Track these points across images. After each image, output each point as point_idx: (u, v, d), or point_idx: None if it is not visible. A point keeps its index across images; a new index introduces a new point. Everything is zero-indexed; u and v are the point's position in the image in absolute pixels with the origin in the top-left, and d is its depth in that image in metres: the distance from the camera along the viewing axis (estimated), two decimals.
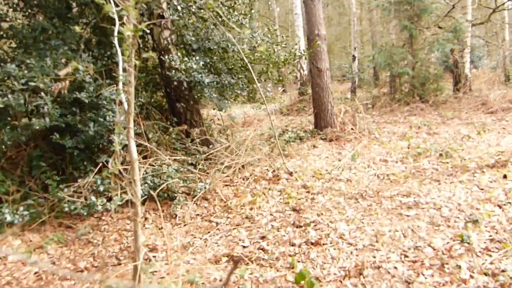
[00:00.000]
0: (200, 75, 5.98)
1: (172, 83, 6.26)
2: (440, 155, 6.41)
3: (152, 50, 6.75)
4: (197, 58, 5.90)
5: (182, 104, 6.39)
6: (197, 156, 5.96)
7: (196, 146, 6.09)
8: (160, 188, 5.20)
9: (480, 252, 3.36)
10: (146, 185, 5.03)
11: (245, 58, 5.45)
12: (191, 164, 5.90)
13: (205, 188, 5.22)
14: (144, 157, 5.47)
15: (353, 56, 16.62)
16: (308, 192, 5.33)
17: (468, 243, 3.34)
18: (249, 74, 6.92)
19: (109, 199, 4.81)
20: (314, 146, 7.88)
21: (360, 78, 21.81)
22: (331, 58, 26.05)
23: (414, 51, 12.72)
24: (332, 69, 29.20)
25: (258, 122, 12.74)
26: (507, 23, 16.12)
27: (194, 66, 5.80)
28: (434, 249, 3.51)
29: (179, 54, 5.70)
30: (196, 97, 6.60)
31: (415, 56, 12.57)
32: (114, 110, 5.06)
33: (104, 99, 5.01)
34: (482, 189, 4.86)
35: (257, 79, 7.01)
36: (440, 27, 12.47)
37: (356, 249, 3.70)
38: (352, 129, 8.35)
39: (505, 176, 5.16)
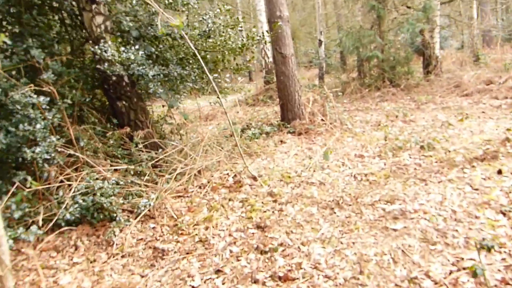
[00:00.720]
0: (142, 68, 5.00)
1: (110, 79, 5.23)
2: (422, 147, 5.65)
3: (85, 40, 5.70)
4: (137, 47, 4.90)
5: (124, 102, 5.38)
6: (143, 164, 4.99)
7: (142, 152, 5.12)
8: (95, 208, 4.24)
9: (495, 287, 2.57)
10: (77, 205, 4.06)
11: (191, 45, 4.47)
12: (136, 174, 4.94)
13: (149, 205, 4.27)
14: (76, 169, 4.47)
15: (319, 40, 15.81)
16: (275, 201, 4.46)
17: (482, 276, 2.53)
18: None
19: (28, 227, 3.84)
20: (281, 141, 7.02)
21: (327, 64, 21.11)
22: (296, 44, 25.25)
23: (382, 32, 12.01)
24: (298, 55, 28.43)
25: (223, 115, 11.79)
26: (475, 0, 15.61)
27: (133, 57, 4.81)
28: (436, 283, 2.71)
29: (110, 43, 4.69)
30: (140, 93, 5.59)
31: (383, 38, 11.86)
32: (31, 117, 4.04)
33: (17, 103, 3.97)
34: (476, 190, 4.10)
35: (212, 69, 6.06)
36: (408, 7, 11.76)
37: (336, 285, 2.86)
38: (322, 120, 7.53)
39: (499, 172, 4.42)
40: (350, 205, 4.14)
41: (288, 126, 7.57)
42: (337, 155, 5.84)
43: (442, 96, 10.03)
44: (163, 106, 6.47)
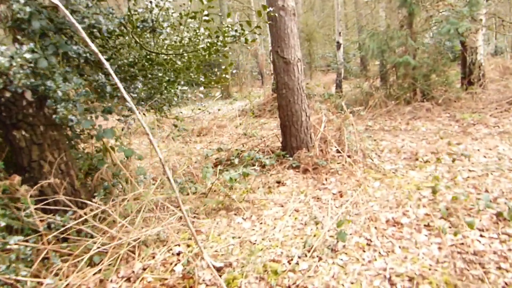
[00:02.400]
0: (46, 80, 2.96)
1: (1, 95, 3.18)
2: (499, 215, 3.43)
3: None
4: (25, 48, 2.84)
5: (24, 132, 3.31)
6: (34, 237, 2.91)
7: (44, 216, 3.04)
8: None
9: None
10: None
11: (87, 39, 2.37)
12: (23, 257, 2.86)
13: None
14: None
15: (337, 43, 13.56)
16: None
17: None
18: (161, 73, 3.87)
19: None
20: (278, 182, 4.85)
21: (346, 69, 18.83)
22: (313, 47, 23.03)
23: (414, 34, 9.72)
24: (315, 58, 26.18)
25: (219, 129, 9.67)
26: None
27: (28, 56, 2.80)
28: None
29: None
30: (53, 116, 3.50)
31: (415, 40, 9.58)
32: None
33: None
34: None
35: (172, 81, 3.94)
36: (448, 3, 9.44)
37: None
38: (338, 151, 5.34)
39: None
40: None
41: (290, 158, 5.40)
42: (358, 220, 3.66)
43: (495, 115, 7.70)
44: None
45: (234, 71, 22.18)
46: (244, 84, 21.58)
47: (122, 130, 3.96)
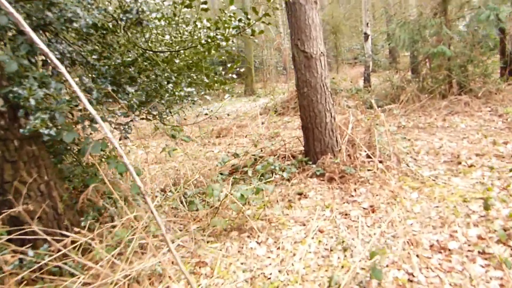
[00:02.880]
0: (18, 85, 2.49)
1: None
2: None
3: None
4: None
5: None
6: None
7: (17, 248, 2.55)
8: None
9: None
10: None
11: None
12: None
13: None
14: None
15: (365, 34, 12.75)
16: None
17: None
18: (160, 74, 3.34)
19: None
20: (300, 195, 4.25)
21: (374, 62, 17.93)
22: (340, 40, 22.15)
23: (448, 21, 8.87)
24: (342, 52, 25.24)
25: (240, 129, 9.12)
26: None
27: None
28: None
29: None
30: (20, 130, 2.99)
31: (450, 29, 8.72)
32: None
33: None
34: None
35: (173, 82, 3.39)
36: None
37: None
38: (368, 156, 4.68)
39: None
40: None
41: (314, 165, 4.78)
42: (395, 244, 3.02)
43: None
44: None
45: (257, 67, 21.54)
46: (268, 80, 20.94)
47: (120, 139, 3.44)
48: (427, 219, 3.38)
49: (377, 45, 23.05)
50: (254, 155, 5.20)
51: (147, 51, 3.00)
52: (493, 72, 8.63)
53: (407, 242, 3.03)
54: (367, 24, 12.66)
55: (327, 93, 4.75)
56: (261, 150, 5.53)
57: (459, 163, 4.74)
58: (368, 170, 4.47)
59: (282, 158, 5.28)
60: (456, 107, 7.93)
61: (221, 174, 5.02)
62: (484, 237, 2.96)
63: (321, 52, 4.68)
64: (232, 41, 3.05)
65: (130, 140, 3.84)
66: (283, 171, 4.65)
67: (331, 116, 4.79)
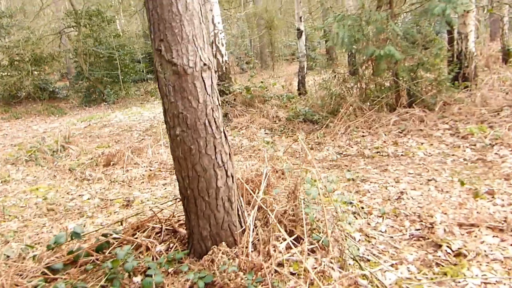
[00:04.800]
0: None
1: None
2: None
3: None
4: None
5: None
6: None
7: None
8: None
9: None
10: None
11: None
12: None
13: None
14: None
15: (298, 30, 10.81)
16: None
17: None
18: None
19: None
20: None
21: (311, 58, 16.15)
22: (274, 35, 20.23)
23: (394, 16, 7.11)
24: (279, 48, 23.41)
25: (139, 154, 6.76)
26: None
27: None
28: None
29: None
30: None
31: (397, 24, 6.95)
32: None
33: None
34: None
35: None
36: None
37: None
38: (290, 245, 2.63)
39: None
40: None
41: (198, 260, 2.65)
42: None
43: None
44: None
45: None
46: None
47: None
48: None
49: (313, 42, 21.42)
50: (104, 235, 2.93)
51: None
52: (446, 78, 6.96)
53: None
54: (300, 18, 10.71)
55: (218, 135, 2.62)
56: (121, 223, 3.29)
57: (437, 245, 2.83)
58: (291, 275, 2.41)
59: (156, 234, 3.10)
60: (408, 124, 6.16)
61: (48, 268, 2.77)
62: None
63: (205, 64, 2.53)
64: None
65: None
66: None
67: (227, 175, 2.67)
